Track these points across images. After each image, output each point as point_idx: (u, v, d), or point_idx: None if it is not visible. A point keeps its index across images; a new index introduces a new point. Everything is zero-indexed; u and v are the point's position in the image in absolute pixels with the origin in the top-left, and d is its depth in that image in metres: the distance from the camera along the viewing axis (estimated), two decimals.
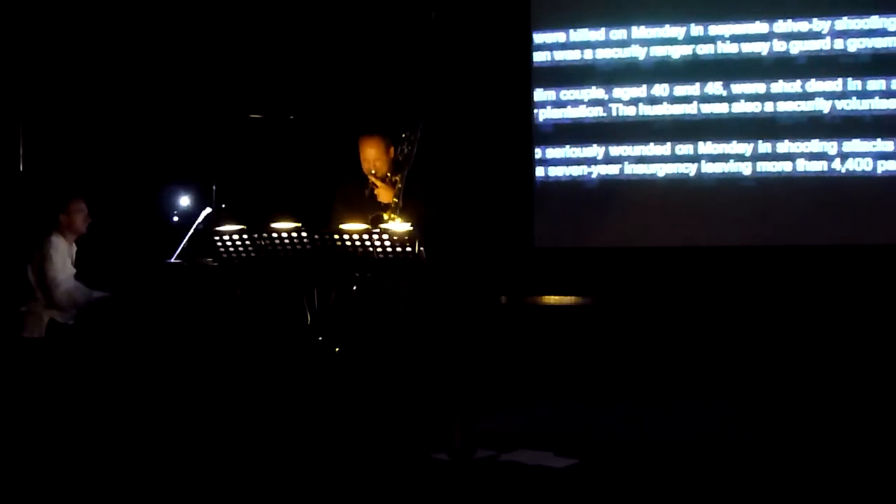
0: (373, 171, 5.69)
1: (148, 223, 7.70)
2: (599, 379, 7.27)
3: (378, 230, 4.92)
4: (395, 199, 5.57)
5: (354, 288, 5.59)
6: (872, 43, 7.66)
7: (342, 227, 5.11)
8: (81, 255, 6.47)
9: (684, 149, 8.00)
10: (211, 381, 6.23)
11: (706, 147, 7.96)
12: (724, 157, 7.93)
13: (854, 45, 7.69)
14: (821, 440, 5.72)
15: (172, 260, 6.49)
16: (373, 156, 5.71)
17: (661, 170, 8.04)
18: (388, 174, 5.71)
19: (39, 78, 7.95)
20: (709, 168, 7.96)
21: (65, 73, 8.03)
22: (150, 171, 8.05)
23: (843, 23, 7.70)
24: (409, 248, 4.88)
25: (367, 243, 4.90)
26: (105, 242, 6.80)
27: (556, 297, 8.14)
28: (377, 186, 5.66)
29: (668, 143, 8.02)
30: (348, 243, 4.93)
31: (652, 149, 8.05)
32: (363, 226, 5.06)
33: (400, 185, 5.62)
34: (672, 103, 8.01)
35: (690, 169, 7.99)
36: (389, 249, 4.89)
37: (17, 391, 5.96)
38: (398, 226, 5.00)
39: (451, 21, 8.10)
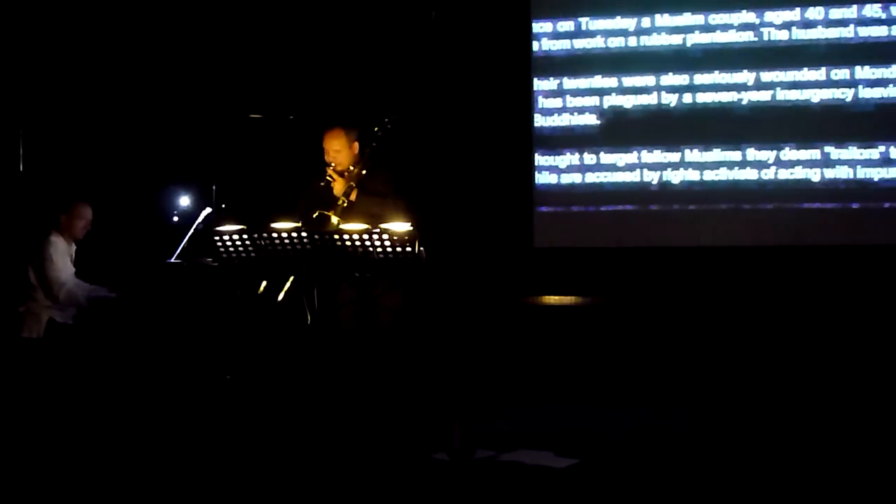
0: (332, 165, 5.66)
1: (148, 223, 7.69)
2: (599, 379, 7.27)
3: (378, 230, 4.92)
4: (342, 197, 5.54)
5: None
6: None
7: (342, 227, 5.10)
8: (82, 254, 6.47)
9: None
10: (211, 380, 6.23)
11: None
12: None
13: None
14: (822, 441, 5.72)
15: (172, 260, 6.49)
16: (333, 148, 5.68)
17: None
18: (352, 168, 5.68)
19: (39, 78, 7.95)
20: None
21: (65, 73, 8.03)
22: (150, 171, 8.05)
23: None
24: (409, 248, 4.88)
25: (367, 243, 4.90)
26: (105, 242, 6.80)
27: (556, 297, 8.13)
28: (333, 179, 5.63)
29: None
30: (348, 243, 4.92)
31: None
32: (363, 226, 5.05)
33: (352, 183, 5.59)
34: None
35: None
36: (389, 249, 4.89)
37: (17, 391, 5.96)
38: (398, 226, 4.99)
39: (451, 21, 8.09)
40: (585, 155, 8.16)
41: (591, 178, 8.17)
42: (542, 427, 6.07)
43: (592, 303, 8.01)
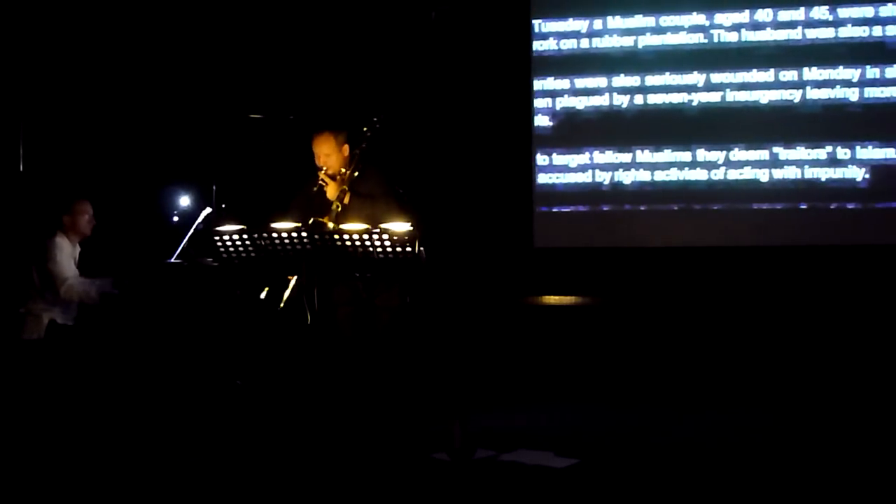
0: (323, 169, 5.64)
1: (148, 223, 7.69)
2: (599, 379, 7.28)
3: (378, 230, 4.92)
4: (336, 202, 5.51)
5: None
6: None
7: (342, 226, 5.10)
8: (82, 254, 6.47)
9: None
10: (211, 380, 6.23)
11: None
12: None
13: None
14: (822, 441, 5.72)
15: (172, 260, 6.48)
16: (323, 152, 5.66)
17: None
18: (343, 170, 5.65)
19: (39, 78, 7.95)
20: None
21: (65, 73, 8.03)
22: (150, 171, 8.05)
23: None
24: (409, 248, 4.88)
25: (367, 243, 4.90)
26: (105, 242, 6.80)
27: (556, 297, 8.14)
28: (326, 184, 5.61)
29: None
30: (348, 243, 4.93)
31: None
32: (363, 226, 5.05)
33: (344, 187, 5.56)
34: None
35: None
36: (389, 249, 4.89)
37: (17, 393, 5.96)
38: (398, 226, 4.99)
39: (452, 21, 8.10)
40: (538, 156, 8.23)
41: (544, 178, 8.23)
42: (542, 427, 6.07)
43: (592, 303, 8.01)
